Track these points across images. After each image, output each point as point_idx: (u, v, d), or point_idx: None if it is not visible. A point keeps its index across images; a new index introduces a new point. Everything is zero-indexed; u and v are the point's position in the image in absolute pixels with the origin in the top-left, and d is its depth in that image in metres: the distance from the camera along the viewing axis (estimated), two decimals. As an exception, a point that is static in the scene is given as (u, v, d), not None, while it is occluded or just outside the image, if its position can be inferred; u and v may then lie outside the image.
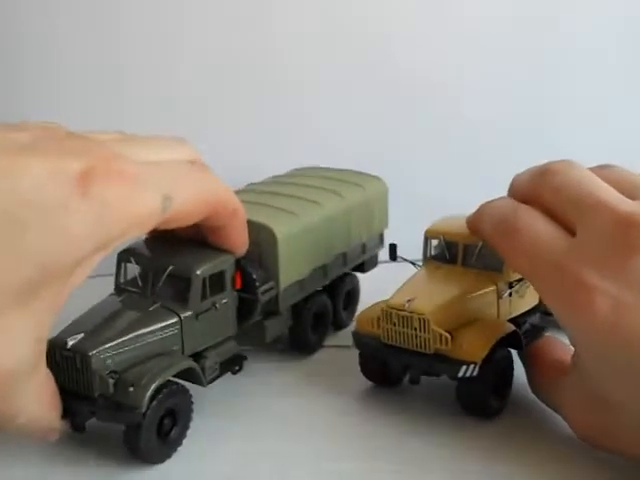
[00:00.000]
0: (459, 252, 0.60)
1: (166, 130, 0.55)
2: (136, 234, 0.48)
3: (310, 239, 0.66)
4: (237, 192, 0.70)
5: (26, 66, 0.84)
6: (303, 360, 0.68)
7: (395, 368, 0.59)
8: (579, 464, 0.50)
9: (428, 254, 0.63)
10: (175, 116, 0.85)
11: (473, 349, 0.54)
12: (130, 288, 0.58)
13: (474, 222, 0.58)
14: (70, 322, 0.53)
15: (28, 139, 0.43)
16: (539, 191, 0.51)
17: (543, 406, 0.56)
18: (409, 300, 0.55)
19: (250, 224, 0.61)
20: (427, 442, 0.54)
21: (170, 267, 0.56)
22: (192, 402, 0.55)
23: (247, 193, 0.71)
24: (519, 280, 0.59)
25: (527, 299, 0.62)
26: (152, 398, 0.50)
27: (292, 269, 0.64)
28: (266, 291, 0.61)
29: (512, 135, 0.93)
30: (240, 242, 0.58)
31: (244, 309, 0.60)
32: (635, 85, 0.95)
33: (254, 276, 0.60)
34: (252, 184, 0.76)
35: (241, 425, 0.57)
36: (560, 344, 0.57)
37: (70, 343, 0.50)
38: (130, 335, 0.52)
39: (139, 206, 0.45)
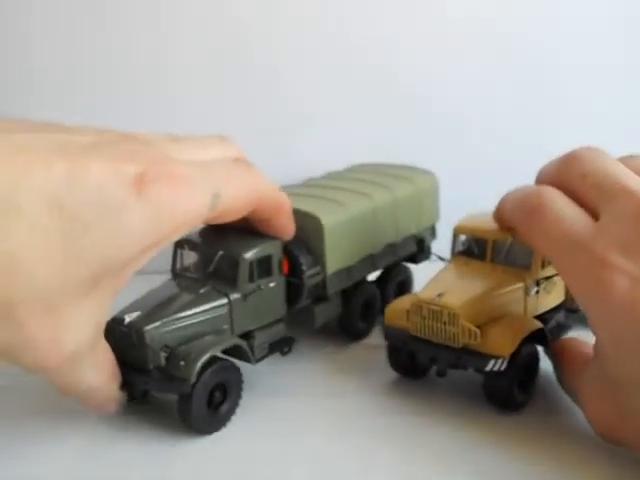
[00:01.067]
0: (488, 248, 0.61)
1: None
2: (187, 230, 0.51)
3: (357, 228, 0.68)
4: (291, 185, 0.75)
5: (21, 66, 0.88)
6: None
7: (422, 360, 0.59)
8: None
9: (456, 250, 0.64)
10: (174, 117, 0.89)
11: (501, 344, 0.55)
12: (185, 273, 0.62)
13: (498, 209, 0.59)
14: (129, 303, 0.58)
15: (88, 142, 0.46)
16: (565, 176, 0.52)
17: (568, 402, 0.57)
18: (439, 294, 0.57)
19: (298, 213, 0.64)
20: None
21: (220, 252, 0.60)
22: (242, 379, 0.58)
23: (300, 187, 0.74)
24: (547, 278, 0.60)
25: (553, 296, 0.62)
26: (201, 371, 0.54)
27: (339, 256, 0.66)
28: (312, 276, 0.64)
29: (524, 135, 0.94)
30: (286, 232, 0.61)
31: (292, 293, 0.63)
32: (635, 84, 0.95)
33: (301, 261, 0.63)
34: (310, 179, 0.79)
35: (240, 426, 0.58)
36: (586, 342, 0.56)
37: (127, 320, 0.55)
38: (182, 314, 0.56)
39: (189, 205, 0.49)
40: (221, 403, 0.57)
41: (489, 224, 0.61)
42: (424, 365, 0.61)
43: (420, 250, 0.79)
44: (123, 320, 0.55)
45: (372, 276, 0.75)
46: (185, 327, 0.56)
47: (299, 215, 0.64)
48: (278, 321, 0.63)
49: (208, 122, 0.87)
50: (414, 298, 0.59)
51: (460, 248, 0.64)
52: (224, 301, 0.58)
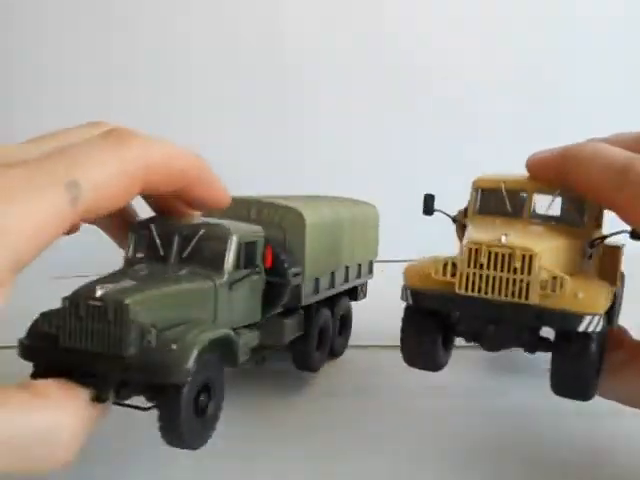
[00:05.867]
0: (528, 203, 0.50)
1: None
2: (53, 237, 0.38)
3: (329, 237, 0.62)
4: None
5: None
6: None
7: (476, 327, 0.46)
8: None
9: (474, 209, 0.52)
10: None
11: (592, 298, 0.43)
12: (148, 260, 0.50)
13: (562, 166, 0.48)
14: (86, 281, 0.45)
15: None
16: None
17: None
18: (506, 234, 0.44)
19: (277, 207, 0.57)
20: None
21: (201, 231, 0.49)
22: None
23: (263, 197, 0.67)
24: (601, 239, 0.51)
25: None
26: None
27: (315, 260, 0.58)
28: (295, 275, 0.55)
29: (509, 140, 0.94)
30: (218, 196, 0.48)
31: (272, 294, 0.54)
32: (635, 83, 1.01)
33: (282, 257, 0.55)
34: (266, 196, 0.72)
35: (241, 427, 0.51)
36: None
37: (99, 292, 0.42)
38: (167, 290, 0.45)
39: (36, 209, 0.37)
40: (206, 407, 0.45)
41: (521, 176, 0.51)
42: (478, 334, 0.47)
43: (360, 285, 0.73)
44: (93, 292, 0.42)
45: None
46: (170, 307, 0.44)
47: (278, 209, 0.57)
48: (254, 327, 0.53)
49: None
50: (468, 242, 0.45)
51: (480, 205, 0.52)
52: (210, 284, 0.48)
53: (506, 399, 0.58)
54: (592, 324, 0.42)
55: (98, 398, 0.42)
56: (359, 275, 0.72)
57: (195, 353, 0.42)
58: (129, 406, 0.45)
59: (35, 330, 0.44)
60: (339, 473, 0.45)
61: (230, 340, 0.47)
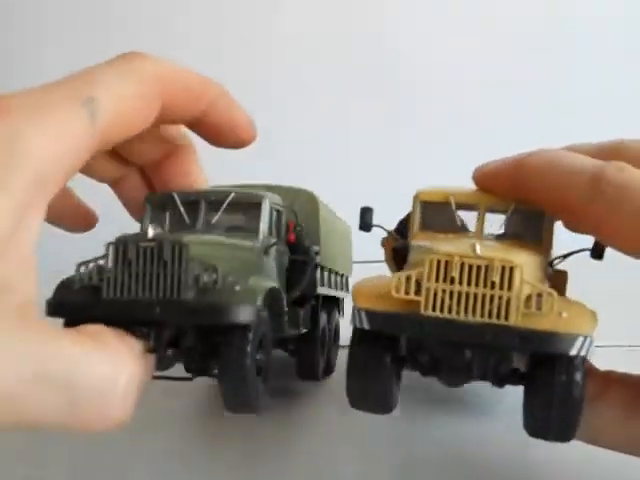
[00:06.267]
0: (481, 217, 0.44)
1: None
2: (77, 158, 0.36)
3: (328, 229, 0.60)
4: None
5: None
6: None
7: (447, 355, 0.39)
8: None
9: (417, 225, 0.45)
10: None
11: (580, 317, 0.37)
12: (169, 228, 0.47)
13: (517, 176, 0.42)
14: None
15: None
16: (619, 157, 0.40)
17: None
18: (478, 244, 0.37)
19: (286, 190, 0.55)
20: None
21: (231, 195, 0.47)
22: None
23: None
24: (561, 258, 0.47)
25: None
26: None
27: (324, 246, 0.57)
28: (316, 253, 0.53)
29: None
30: (241, 122, 0.44)
31: (295, 272, 0.51)
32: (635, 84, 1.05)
33: (302, 233, 0.53)
34: None
35: (241, 427, 0.50)
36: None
37: (152, 233, 0.39)
38: (217, 239, 0.43)
39: (53, 127, 0.34)
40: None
41: (469, 189, 0.45)
42: (438, 366, 0.40)
43: (342, 298, 0.71)
44: (145, 235, 0.39)
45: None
46: (223, 257, 0.41)
47: (288, 192, 0.56)
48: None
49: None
50: (435, 254, 0.37)
51: (423, 221, 0.45)
52: (249, 243, 0.45)
53: (508, 399, 0.56)
54: (584, 347, 0.36)
55: (155, 350, 0.38)
56: (342, 287, 0.70)
57: (261, 294, 0.39)
58: (172, 378, 0.42)
59: (67, 286, 0.39)
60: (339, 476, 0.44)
61: (279, 296, 0.44)
